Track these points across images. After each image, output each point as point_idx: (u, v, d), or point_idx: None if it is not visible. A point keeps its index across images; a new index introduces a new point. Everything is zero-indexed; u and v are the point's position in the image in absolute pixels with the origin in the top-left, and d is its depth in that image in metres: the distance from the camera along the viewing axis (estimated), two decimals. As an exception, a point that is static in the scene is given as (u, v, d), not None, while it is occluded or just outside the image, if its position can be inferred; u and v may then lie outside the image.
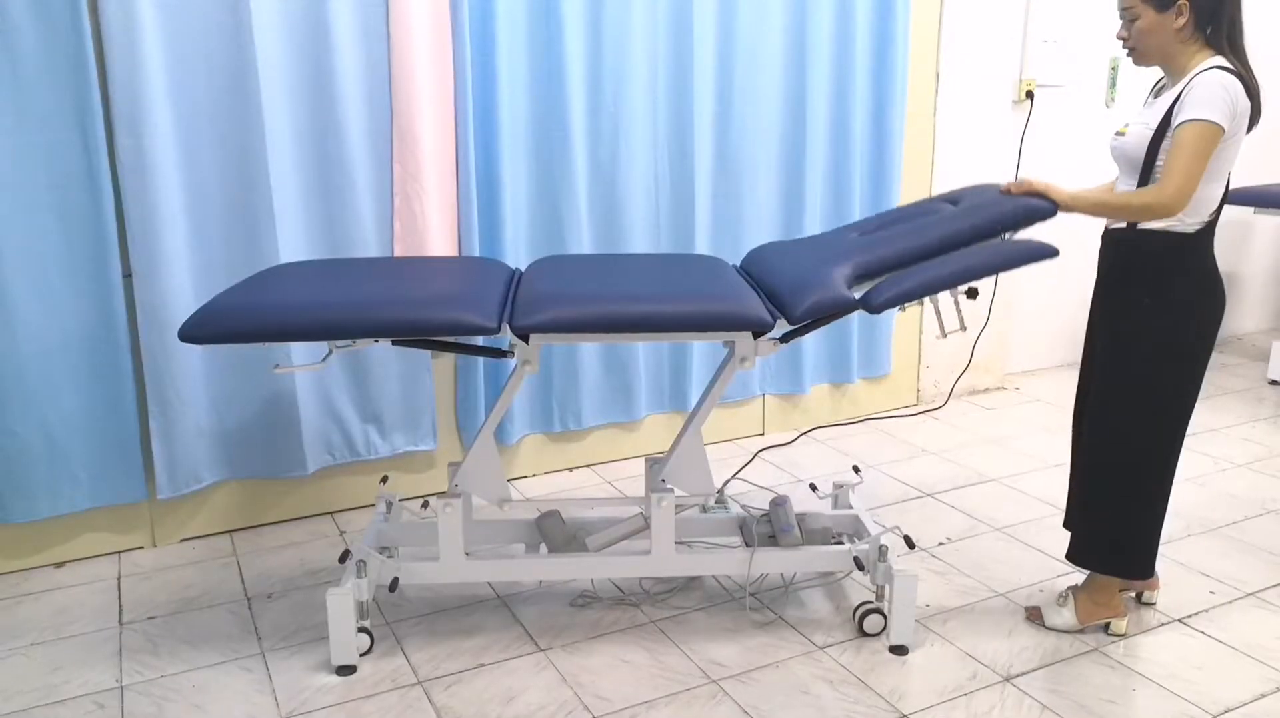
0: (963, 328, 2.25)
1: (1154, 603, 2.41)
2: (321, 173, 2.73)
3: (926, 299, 2.06)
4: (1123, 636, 2.27)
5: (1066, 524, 2.39)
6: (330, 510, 2.98)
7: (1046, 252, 2.07)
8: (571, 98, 2.97)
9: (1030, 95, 3.84)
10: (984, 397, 4.07)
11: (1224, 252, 4.79)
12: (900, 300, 2.03)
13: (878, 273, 2.07)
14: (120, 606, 2.45)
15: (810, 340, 3.58)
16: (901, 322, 3.80)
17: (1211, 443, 3.50)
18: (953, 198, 2.32)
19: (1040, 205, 2.09)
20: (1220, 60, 1.97)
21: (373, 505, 3.00)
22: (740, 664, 2.17)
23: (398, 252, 2.84)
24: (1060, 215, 2.37)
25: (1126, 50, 2.08)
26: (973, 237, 2.08)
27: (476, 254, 2.92)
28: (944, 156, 3.74)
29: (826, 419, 3.74)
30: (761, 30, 3.21)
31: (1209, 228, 2.06)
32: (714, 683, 2.11)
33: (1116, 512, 2.20)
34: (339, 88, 2.67)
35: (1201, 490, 3.11)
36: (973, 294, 2.12)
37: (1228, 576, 2.56)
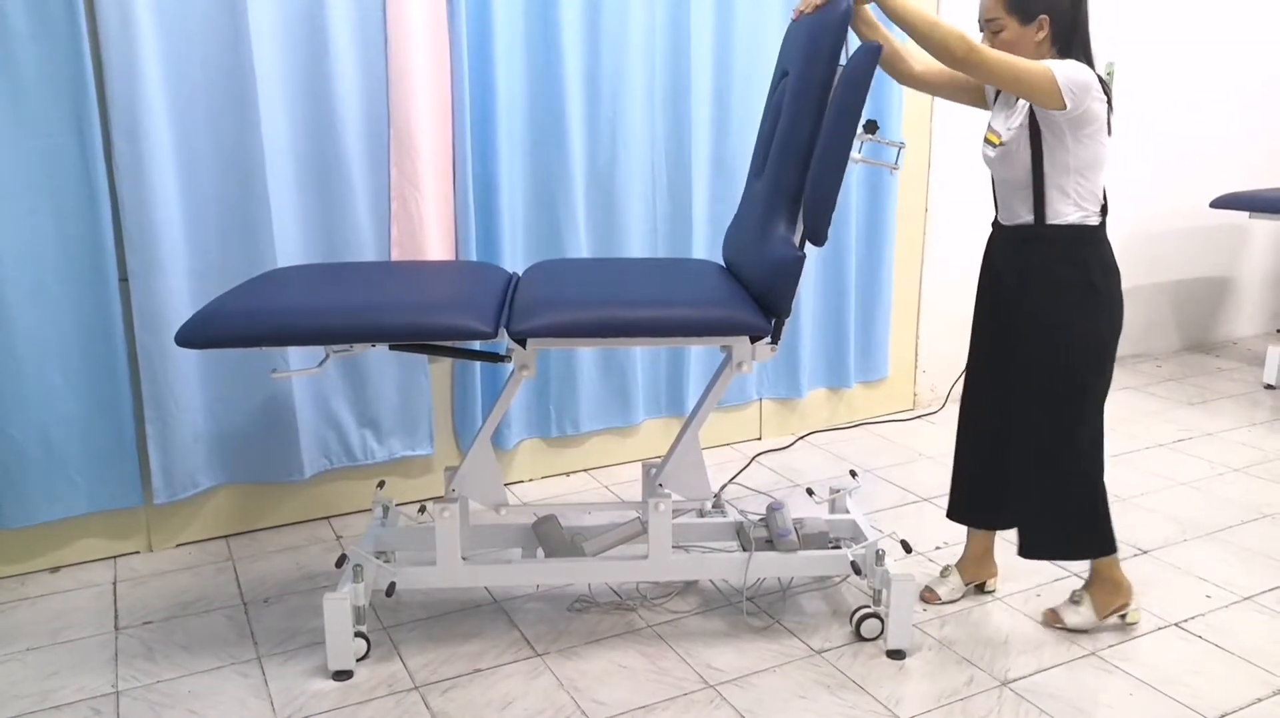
0: (901, 145, 2.24)
1: (994, 591, 2.48)
2: (319, 177, 2.73)
3: (852, 165, 2.00)
4: (1137, 624, 2.30)
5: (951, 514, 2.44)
6: (327, 515, 2.98)
7: (872, 50, 1.97)
8: (569, 102, 2.97)
9: (1026, 100, 3.84)
10: (981, 401, 4.06)
11: (1220, 256, 4.86)
12: (829, 216, 1.98)
13: (798, 205, 2.05)
14: (116, 611, 2.45)
15: (807, 345, 3.58)
16: (898, 326, 3.80)
17: (1208, 447, 3.51)
18: (783, 69, 2.24)
19: (834, 12, 2.01)
20: (1080, 63, 2.03)
21: (370, 510, 3.00)
22: (737, 669, 2.17)
23: (395, 256, 2.84)
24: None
25: None
26: (819, 105, 2.01)
27: (474, 258, 2.92)
28: (940, 162, 3.75)
29: (823, 423, 3.74)
30: (758, 36, 3.21)
31: (1105, 221, 2.13)
32: (711, 688, 2.11)
33: (1063, 499, 2.22)
34: (336, 92, 2.67)
35: (1198, 495, 3.11)
36: (871, 128, 2.07)
37: (1224, 580, 2.56)
